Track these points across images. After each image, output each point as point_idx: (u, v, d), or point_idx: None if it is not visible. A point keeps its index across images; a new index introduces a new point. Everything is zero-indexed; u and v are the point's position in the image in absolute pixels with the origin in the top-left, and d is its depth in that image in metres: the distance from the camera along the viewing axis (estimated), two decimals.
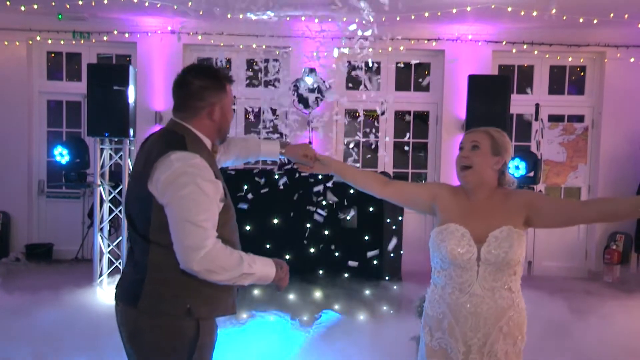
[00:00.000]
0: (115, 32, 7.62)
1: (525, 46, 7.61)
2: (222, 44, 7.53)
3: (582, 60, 7.94)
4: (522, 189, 2.51)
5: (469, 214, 2.42)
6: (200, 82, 2.27)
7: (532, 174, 6.56)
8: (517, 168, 6.46)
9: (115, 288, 2.39)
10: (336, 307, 5.27)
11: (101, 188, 6.12)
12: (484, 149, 2.43)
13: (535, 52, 7.69)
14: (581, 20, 6.84)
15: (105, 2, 6.69)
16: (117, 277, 6.30)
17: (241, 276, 2.19)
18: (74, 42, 7.77)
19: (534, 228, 2.46)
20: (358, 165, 5.50)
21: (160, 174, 2.13)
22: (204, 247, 2.08)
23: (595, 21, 6.89)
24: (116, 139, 6.17)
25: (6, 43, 7.77)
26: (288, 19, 7.14)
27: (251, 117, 7.78)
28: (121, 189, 6.15)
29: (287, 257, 5.27)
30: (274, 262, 2.32)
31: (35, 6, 6.93)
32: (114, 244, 6.23)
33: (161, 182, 2.13)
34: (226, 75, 2.36)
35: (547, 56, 7.81)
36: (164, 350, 2.21)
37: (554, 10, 6.47)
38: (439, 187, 2.61)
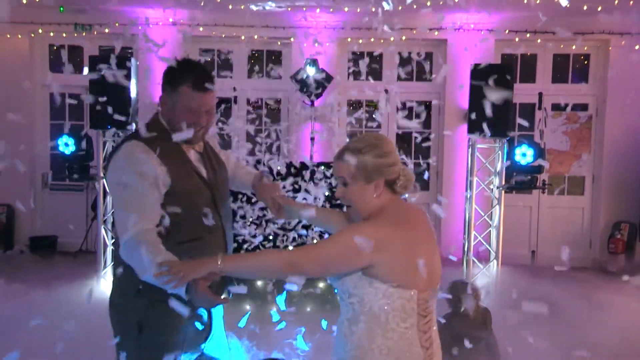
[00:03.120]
0: (117, 24, 7.60)
1: (528, 35, 7.56)
2: (223, 35, 7.52)
3: (585, 49, 7.88)
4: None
5: None
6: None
7: (536, 163, 6.54)
8: (524, 155, 6.42)
9: None
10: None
11: (104, 180, 6.13)
12: (353, 183, 1.97)
13: (539, 41, 7.64)
14: (585, 7, 6.79)
15: None
16: None
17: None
18: (75, 35, 7.77)
19: None
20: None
21: None
22: (123, 238, 2.16)
23: (599, 8, 6.83)
24: (119, 131, 6.17)
25: (8, 36, 7.77)
26: (289, 9, 7.11)
27: (251, 108, 7.76)
28: None
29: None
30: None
31: None
32: None
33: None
34: (179, 77, 2.27)
35: (550, 45, 7.75)
36: (117, 326, 2.38)
37: None
38: None
